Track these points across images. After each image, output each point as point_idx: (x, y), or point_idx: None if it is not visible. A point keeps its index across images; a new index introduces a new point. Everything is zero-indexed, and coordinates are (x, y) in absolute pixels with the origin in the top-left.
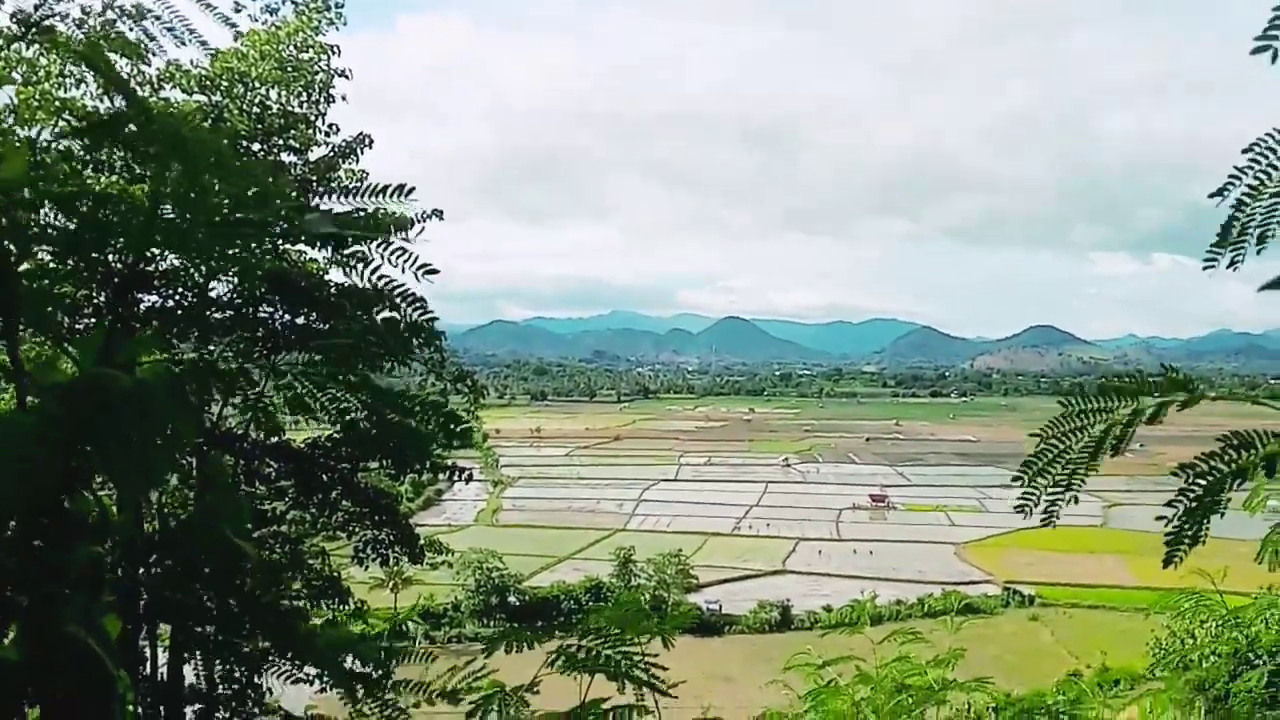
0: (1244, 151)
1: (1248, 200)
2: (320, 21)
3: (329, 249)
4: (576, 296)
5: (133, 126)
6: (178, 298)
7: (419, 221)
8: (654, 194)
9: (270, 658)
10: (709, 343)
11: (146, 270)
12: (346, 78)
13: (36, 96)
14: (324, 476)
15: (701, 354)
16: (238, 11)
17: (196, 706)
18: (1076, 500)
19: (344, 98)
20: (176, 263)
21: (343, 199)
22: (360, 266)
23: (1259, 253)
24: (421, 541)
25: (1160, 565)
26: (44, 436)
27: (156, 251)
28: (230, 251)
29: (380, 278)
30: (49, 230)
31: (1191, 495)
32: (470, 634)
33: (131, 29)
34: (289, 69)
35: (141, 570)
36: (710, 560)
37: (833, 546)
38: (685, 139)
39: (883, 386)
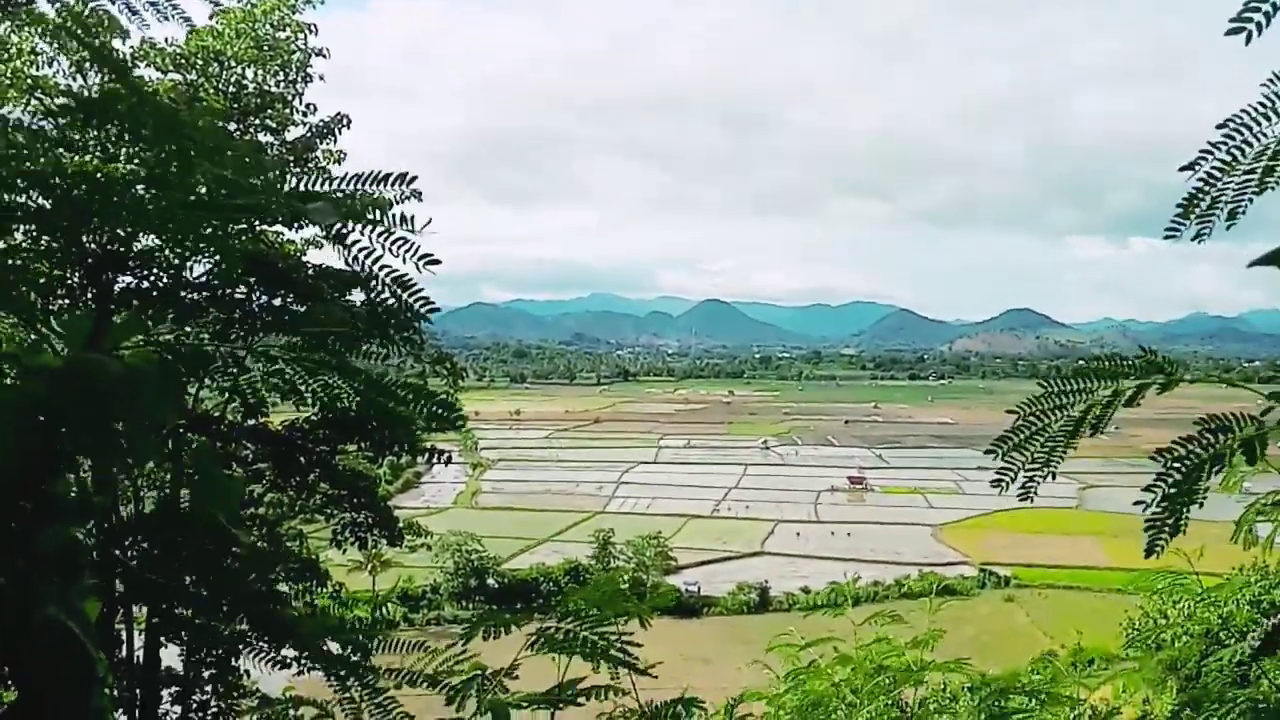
0: (1218, 127)
1: (1217, 175)
2: None
3: (328, 234)
4: (556, 279)
5: (124, 106)
6: (154, 278)
7: (399, 203)
8: (632, 175)
9: (248, 640)
10: (689, 325)
11: (122, 250)
12: (324, 57)
13: (8, 75)
14: (302, 459)
15: (681, 337)
16: None
17: (173, 689)
18: (1054, 476)
19: (321, 77)
20: (152, 243)
21: (341, 185)
22: (361, 256)
23: (1229, 228)
24: (400, 524)
25: (1136, 547)
26: (27, 419)
27: (132, 232)
28: (207, 232)
29: (385, 269)
30: (23, 210)
31: (1170, 480)
32: (449, 616)
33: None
34: (265, 47)
35: (119, 552)
36: (689, 542)
37: (811, 528)
38: (660, 119)
39: (861, 369)
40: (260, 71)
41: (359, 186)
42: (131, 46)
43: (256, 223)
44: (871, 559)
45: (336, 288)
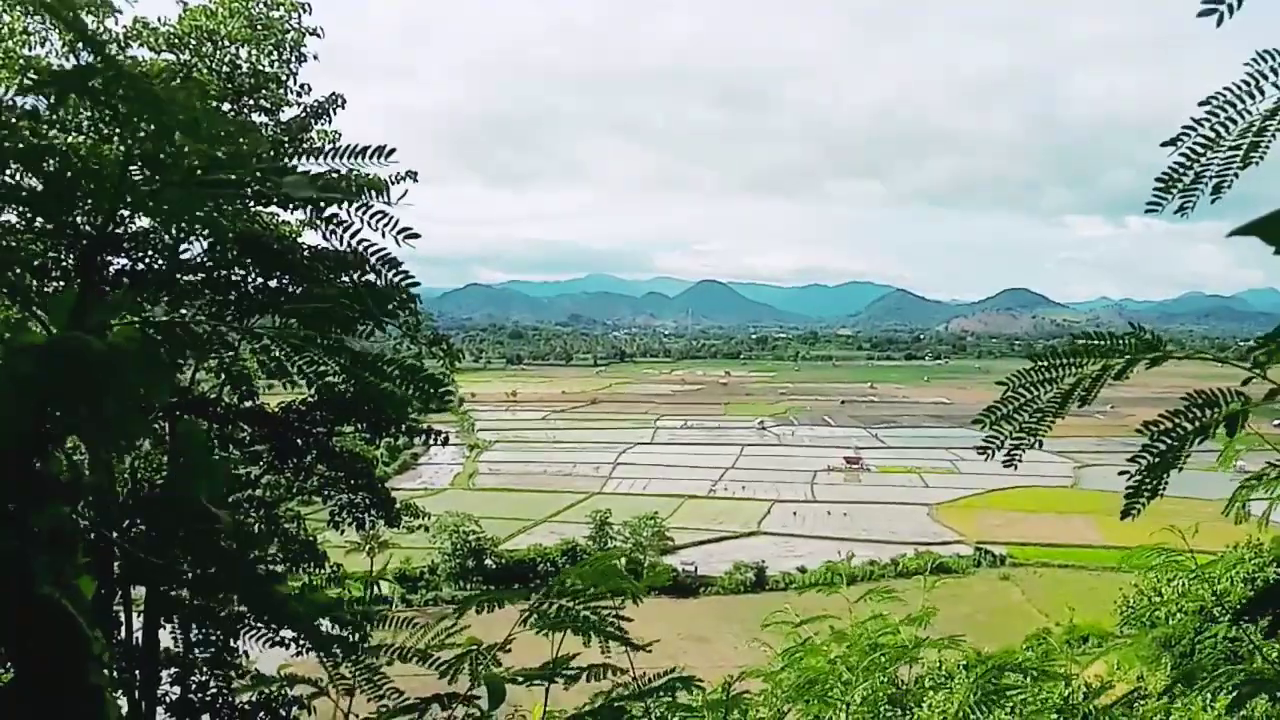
0: (1201, 104)
1: (1199, 151)
2: None
3: (306, 212)
4: (553, 260)
5: (98, 81)
6: (148, 260)
7: (394, 183)
8: (628, 154)
9: (246, 621)
10: (685, 306)
11: (116, 233)
12: (318, 36)
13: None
14: (299, 441)
15: (678, 317)
16: None
17: (172, 670)
18: (1041, 445)
19: (315, 57)
20: (146, 225)
21: (320, 160)
22: (340, 230)
23: (1213, 203)
24: (397, 505)
25: (1131, 525)
26: (16, 397)
27: (126, 214)
28: (201, 213)
29: (359, 241)
30: (16, 190)
31: (1155, 451)
32: (447, 597)
33: None
34: (259, 27)
35: (115, 533)
36: (686, 522)
37: (807, 508)
38: (657, 97)
39: (858, 349)
40: (254, 51)
41: (338, 160)
42: (124, 26)
43: (251, 204)
44: (867, 538)
45: (331, 269)
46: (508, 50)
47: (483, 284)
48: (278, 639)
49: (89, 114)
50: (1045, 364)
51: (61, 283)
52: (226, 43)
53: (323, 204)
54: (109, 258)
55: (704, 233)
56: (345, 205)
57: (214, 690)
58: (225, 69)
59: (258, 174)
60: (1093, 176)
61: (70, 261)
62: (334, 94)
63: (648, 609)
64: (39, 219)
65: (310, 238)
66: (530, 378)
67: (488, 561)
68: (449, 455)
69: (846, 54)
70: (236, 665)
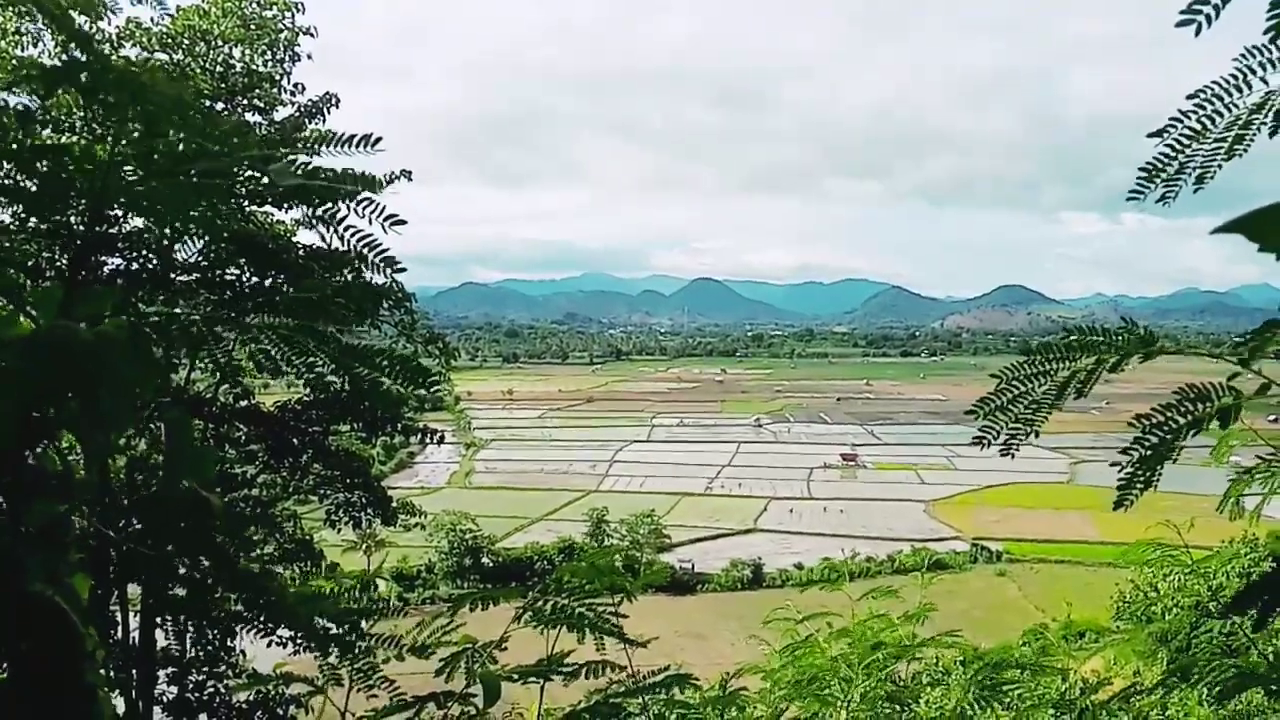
0: (1189, 97)
1: (1185, 143)
2: None
3: (298, 208)
4: (548, 258)
5: (86, 76)
6: (142, 260)
7: (388, 182)
8: (624, 153)
9: (244, 619)
10: (681, 304)
11: (110, 232)
12: (312, 36)
13: None
14: (294, 440)
15: (674, 315)
16: None
17: (169, 669)
18: (1037, 435)
19: (309, 56)
20: (140, 224)
21: (307, 151)
22: (330, 221)
23: (1195, 192)
24: (394, 504)
25: (1127, 521)
26: (4, 391)
27: (120, 213)
28: (195, 212)
29: (353, 232)
30: (9, 189)
31: (1147, 444)
32: (444, 596)
33: None
34: (252, 26)
35: (111, 532)
36: (683, 520)
37: (804, 505)
38: (653, 96)
39: (854, 346)
40: (247, 51)
41: (326, 150)
42: (117, 27)
43: (245, 203)
44: (864, 535)
45: (327, 267)
46: (505, 51)
47: (479, 283)
48: (275, 638)
49: (82, 114)
50: (1039, 358)
51: (55, 283)
52: (219, 42)
53: (310, 193)
54: (103, 258)
55: (701, 231)
56: (333, 195)
57: (211, 689)
58: (218, 69)
59: (245, 163)
60: (1089, 173)
61: (64, 262)
62: (328, 93)
63: (644, 606)
64: (32, 219)
65: (305, 237)
66: (526, 376)
67: (485, 560)
68: (445, 454)
69: (844, 54)
70: (233, 664)
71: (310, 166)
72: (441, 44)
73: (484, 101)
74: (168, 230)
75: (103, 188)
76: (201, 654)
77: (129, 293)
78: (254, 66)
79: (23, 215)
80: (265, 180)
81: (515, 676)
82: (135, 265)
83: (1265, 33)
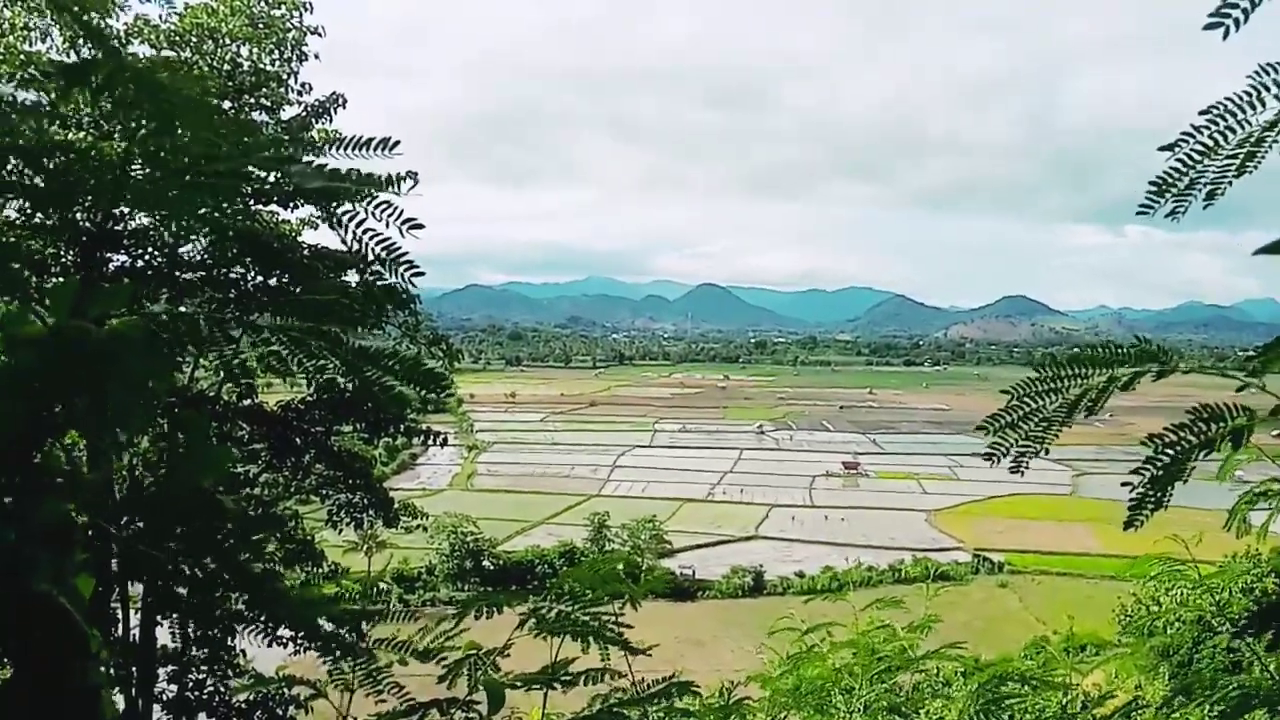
0: (1202, 113)
1: (1196, 158)
2: None
3: (304, 208)
4: (552, 261)
5: (102, 74)
6: (148, 258)
7: (395, 182)
8: (626, 155)
9: (245, 619)
10: (685, 309)
11: (116, 229)
12: (319, 35)
13: (1, 50)
14: (297, 439)
15: (677, 321)
16: None
17: (169, 668)
18: (1048, 452)
19: (316, 56)
20: (146, 222)
21: (325, 153)
22: (348, 223)
23: (1205, 208)
24: (396, 505)
25: (1129, 534)
26: (16, 389)
27: (127, 210)
28: (203, 210)
29: (371, 235)
30: (17, 186)
31: (1158, 464)
32: (445, 598)
33: None
34: (260, 25)
35: (114, 529)
36: (684, 526)
37: (806, 513)
38: (654, 97)
39: (857, 355)
40: (255, 49)
41: (342, 152)
42: (125, 24)
43: (251, 202)
44: (866, 544)
45: (332, 268)
46: (505, 50)
47: (482, 285)
48: (277, 638)
49: (90, 110)
50: (1051, 374)
51: (62, 279)
52: (227, 41)
53: (330, 195)
54: (109, 254)
55: (703, 234)
56: (354, 199)
57: (210, 688)
58: (226, 67)
59: (263, 165)
60: (1091, 183)
61: (71, 258)
62: (335, 93)
63: (645, 612)
64: (40, 215)
65: (310, 237)
66: (529, 379)
67: (485, 563)
68: (447, 456)
69: (844, 55)
70: (234, 664)
71: (330, 168)
72: (442, 43)
73: (484, 100)
74: (174, 228)
75: (113, 185)
76: (201, 653)
77: (134, 288)
78: (261, 65)
79: (30, 211)
80: (272, 180)
81: (519, 684)
82: (141, 262)
83: None
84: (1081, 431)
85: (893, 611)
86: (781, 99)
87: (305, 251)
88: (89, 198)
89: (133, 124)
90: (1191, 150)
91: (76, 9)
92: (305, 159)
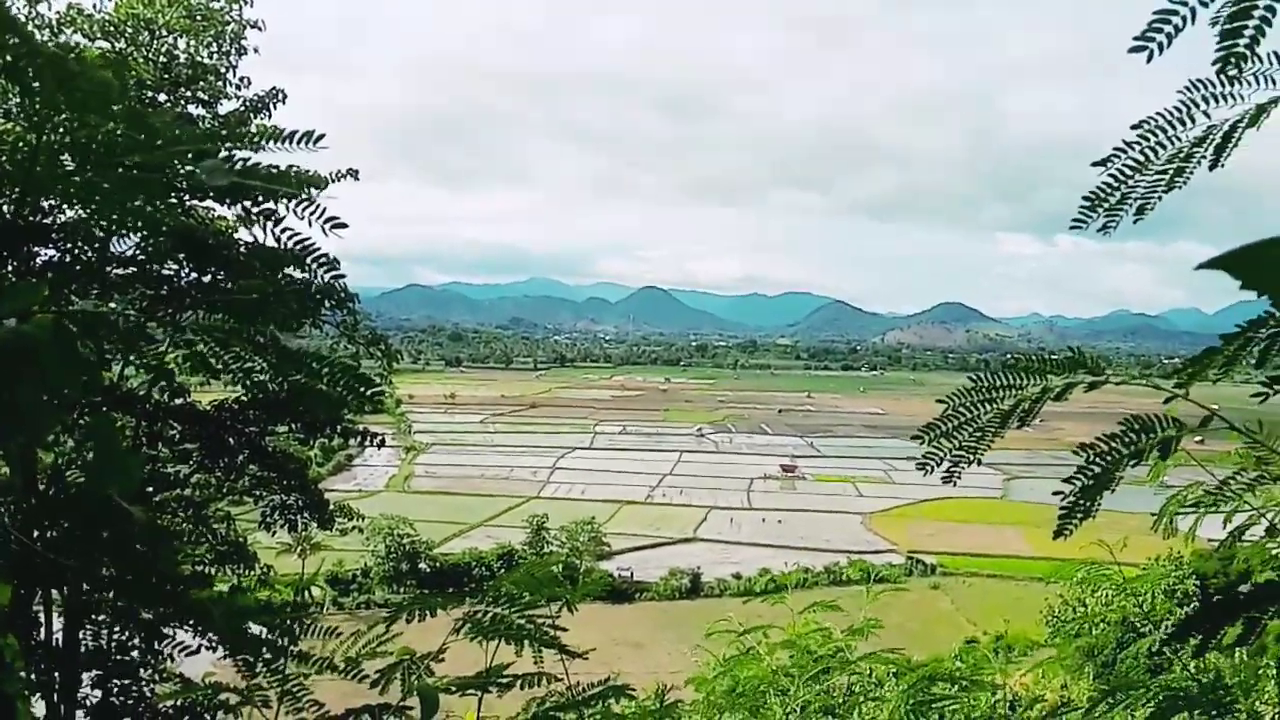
0: (1133, 127)
1: (1127, 173)
2: None
3: (236, 204)
4: (494, 262)
5: (9, 58)
6: (76, 252)
7: (334, 180)
8: (571, 158)
9: (171, 624)
10: (627, 312)
11: (43, 223)
12: (259, 29)
13: None
14: (230, 440)
15: (619, 323)
16: None
17: (94, 673)
18: (980, 462)
19: (256, 50)
20: (75, 216)
21: (248, 148)
22: (268, 223)
23: (1135, 223)
24: (331, 507)
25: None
26: None
27: (54, 203)
28: (132, 204)
29: (290, 235)
30: None
31: (1089, 474)
32: (380, 600)
33: None
34: (198, 17)
35: (36, 534)
36: (623, 528)
37: (744, 515)
38: (600, 101)
39: (796, 359)
40: (192, 42)
41: (267, 146)
42: (58, 12)
43: (186, 197)
44: (802, 546)
45: (268, 265)
46: (448, 49)
47: (422, 285)
48: (205, 642)
49: (18, 100)
50: (985, 384)
51: None
52: (164, 32)
53: (241, 192)
54: (36, 248)
55: (646, 238)
56: (275, 198)
57: (135, 693)
58: (162, 59)
59: (168, 157)
60: (1026, 194)
61: None
62: (274, 88)
63: (583, 614)
64: None
65: (247, 234)
66: (469, 380)
67: (422, 565)
68: (384, 457)
69: (789, 67)
70: (160, 669)
71: (250, 164)
72: (383, 39)
73: (427, 99)
74: (104, 223)
75: (36, 176)
76: (126, 657)
77: (59, 287)
78: (199, 58)
79: None
80: (183, 174)
81: (454, 688)
82: (69, 258)
83: (1214, 64)
84: (1012, 437)
85: (832, 614)
86: (728, 108)
87: (241, 248)
88: (14, 189)
89: (50, 113)
90: (1123, 166)
91: None
92: (226, 154)
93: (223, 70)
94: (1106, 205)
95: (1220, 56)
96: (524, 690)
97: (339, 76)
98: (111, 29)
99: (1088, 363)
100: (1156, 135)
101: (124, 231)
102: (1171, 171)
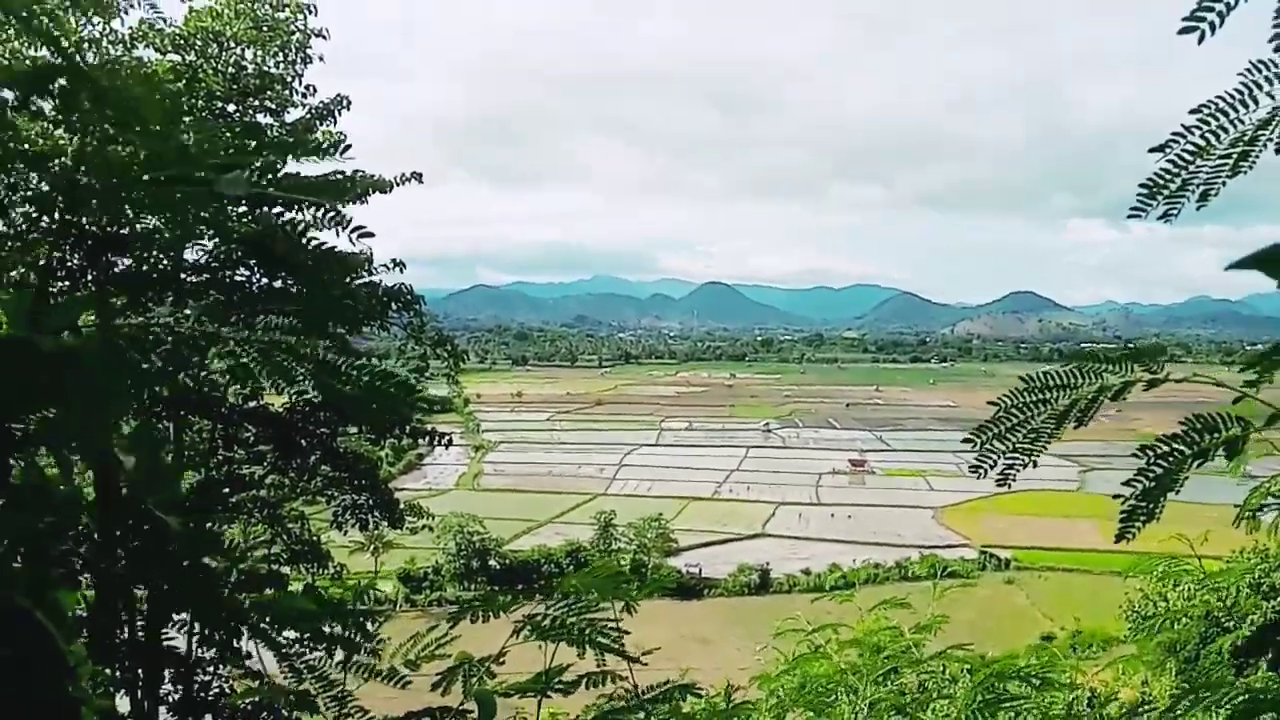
0: (1192, 112)
1: (1188, 159)
2: None
3: (307, 210)
4: (557, 261)
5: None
6: (153, 260)
7: (399, 184)
8: (630, 156)
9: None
10: (690, 308)
11: (123, 233)
12: (324, 38)
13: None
14: (303, 441)
15: (683, 319)
16: None
17: (176, 669)
18: (1036, 464)
19: (321, 58)
20: (151, 225)
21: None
22: (339, 228)
23: (1199, 209)
24: (401, 506)
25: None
26: None
27: (134, 214)
28: (206, 214)
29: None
30: (22, 190)
31: (1150, 476)
32: (451, 597)
33: None
34: (265, 28)
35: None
36: (690, 524)
37: (812, 511)
38: (653, 100)
39: (863, 352)
40: (259, 52)
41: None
42: (130, 28)
43: (259, 205)
44: (872, 541)
45: (338, 270)
46: (505, 52)
47: (488, 285)
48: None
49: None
50: (1038, 384)
51: (67, 283)
52: (232, 44)
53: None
54: (115, 258)
55: (708, 234)
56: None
57: (216, 689)
58: (231, 70)
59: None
60: (1096, 181)
61: (76, 262)
62: (339, 95)
63: (651, 610)
64: (44, 219)
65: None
66: (535, 379)
67: (492, 562)
68: (454, 456)
69: (848, 59)
70: (242, 665)
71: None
72: (444, 45)
73: (486, 102)
74: (176, 230)
75: (118, 189)
76: (207, 654)
77: (137, 294)
78: (266, 68)
79: (34, 215)
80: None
81: (512, 693)
82: (145, 266)
83: (1270, 41)
84: (1088, 427)
85: (901, 611)
86: (786, 103)
87: (310, 252)
88: (94, 201)
89: (108, 127)
90: (1183, 151)
91: (25, 15)
92: (275, 164)
93: (289, 79)
94: (1166, 192)
95: (1277, 34)
96: (589, 689)
97: (399, 80)
98: (182, 42)
99: (1151, 350)
100: (1217, 119)
101: (197, 239)
102: (1235, 155)
